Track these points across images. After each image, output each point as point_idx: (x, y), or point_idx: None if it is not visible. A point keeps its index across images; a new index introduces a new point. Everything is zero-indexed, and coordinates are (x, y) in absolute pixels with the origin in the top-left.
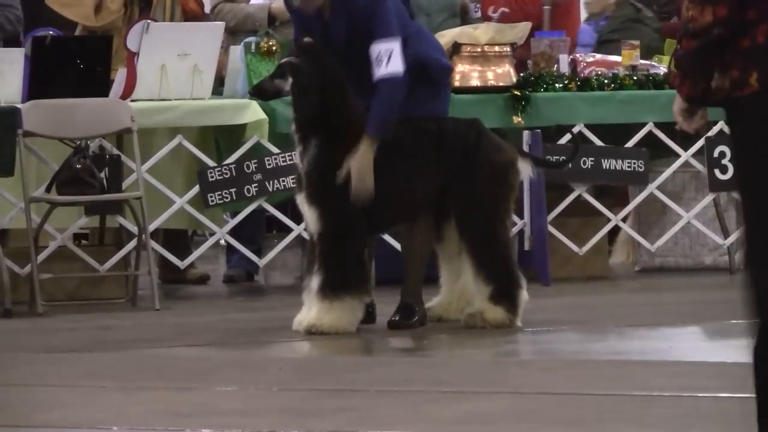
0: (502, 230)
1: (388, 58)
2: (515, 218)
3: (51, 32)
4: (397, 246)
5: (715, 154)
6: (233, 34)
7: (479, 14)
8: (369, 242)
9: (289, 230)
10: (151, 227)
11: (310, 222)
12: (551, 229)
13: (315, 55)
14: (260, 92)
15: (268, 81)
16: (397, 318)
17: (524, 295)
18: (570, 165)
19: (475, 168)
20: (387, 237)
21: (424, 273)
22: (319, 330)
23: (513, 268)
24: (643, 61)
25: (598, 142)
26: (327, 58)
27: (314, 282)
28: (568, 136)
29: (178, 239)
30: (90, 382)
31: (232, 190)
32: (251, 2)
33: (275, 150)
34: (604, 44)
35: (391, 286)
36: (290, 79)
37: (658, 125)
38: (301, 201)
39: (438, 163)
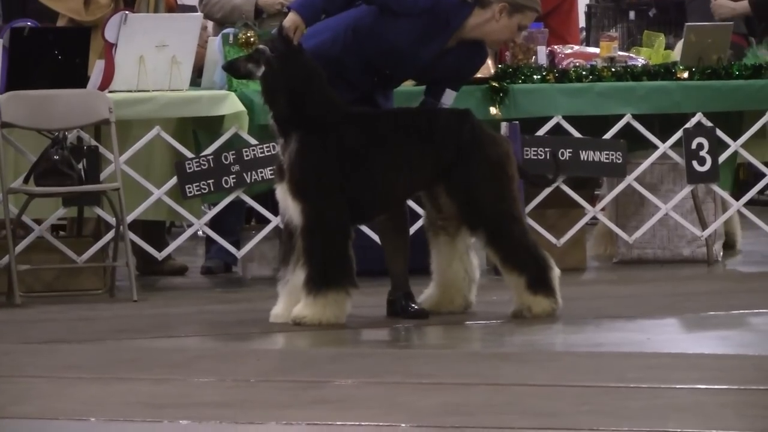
0: (511, 221)
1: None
2: None
3: (29, 23)
4: (374, 238)
5: (693, 145)
6: (221, 25)
7: None
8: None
9: (267, 221)
10: (129, 218)
11: (292, 215)
12: (529, 220)
13: (289, 52)
14: (233, 69)
15: (242, 61)
16: (416, 306)
17: (556, 273)
18: (555, 181)
19: (473, 164)
20: (365, 229)
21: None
22: (302, 322)
23: (536, 252)
24: (621, 53)
25: (576, 134)
26: (301, 56)
27: (299, 277)
28: (547, 127)
29: (156, 231)
30: (67, 373)
31: (210, 181)
32: None
33: (253, 141)
34: None
35: (369, 277)
36: (262, 68)
37: (636, 117)
38: (283, 192)
39: (425, 156)
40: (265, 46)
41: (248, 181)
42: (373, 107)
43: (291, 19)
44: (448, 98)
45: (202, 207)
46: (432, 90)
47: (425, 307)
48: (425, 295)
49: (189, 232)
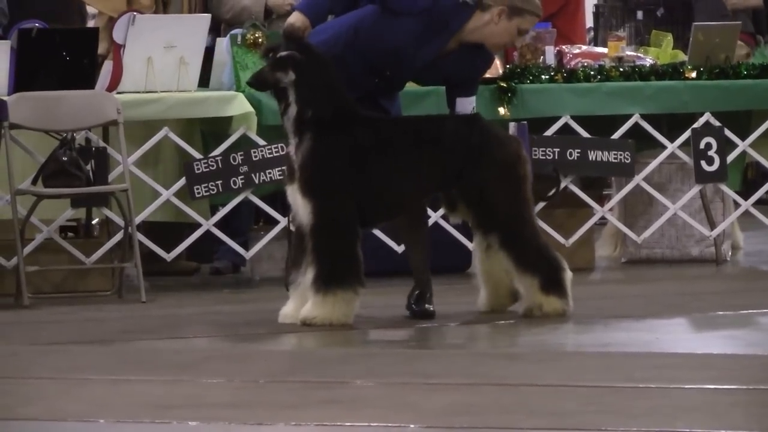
0: (524, 223)
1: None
2: None
3: (37, 24)
4: (384, 238)
5: (702, 145)
6: (230, 26)
7: None
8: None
9: (276, 222)
10: (138, 219)
11: (302, 215)
12: (538, 220)
13: (312, 49)
14: (260, 83)
15: (267, 72)
16: (425, 306)
17: (569, 275)
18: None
19: (483, 167)
20: (376, 230)
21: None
22: (312, 323)
23: (549, 254)
24: (629, 53)
25: (585, 134)
26: (322, 53)
27: (308, 276)
28: (555, 127)
29: (169, 231)
30: (76, 374)
31: (219, 182)
32: None
33: (261, 142)
34: None
35: (379, 277)
36: (291, 74)
37: (644, 117)
38: (293, 193)
39: (434, 161)
40: (287, 51)
41: (257, 181)
42: (379, 110)
43: (298, 19)
44: (462, 106)
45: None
46: (447, 98)
47: (483, 310)
48: (480, 299)
49: (198, 233)
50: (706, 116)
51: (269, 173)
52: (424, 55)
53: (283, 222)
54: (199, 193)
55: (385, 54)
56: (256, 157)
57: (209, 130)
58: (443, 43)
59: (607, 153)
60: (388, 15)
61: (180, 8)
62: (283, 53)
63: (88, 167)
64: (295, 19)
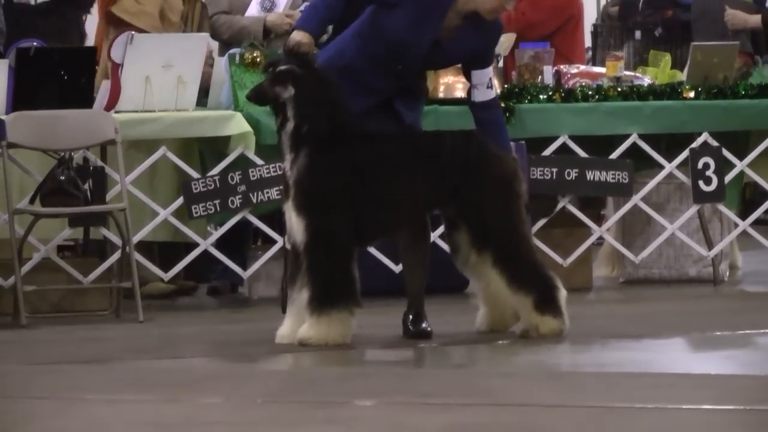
0: (518, 240)
1: (492, 83)
2: None
3: (35, 43)
4: (379, 256)
5: (699, 165)
6: (228, 45)
7: None
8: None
9: (273, 242)
10: (135, 239)
11: (296, 232)
12: (535, 240)
13: (313, 65)
14: (260, 97)
15: (267, 87)
16: (421, 326)
17: (563, 293)
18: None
19: (479, 183)
20: (372, 248)
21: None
22: (309, 344)
23: (543, 271)
24: (627, 73)
25: (583, 154)
26: (323, 69)
27: (302, 296)
28: (553, 147)
29: (170, 251)
30: (73, 394)
31: (216, 201)
32: (246, 15)
33: (259, 161)
34: None
35: (375, 297)
36: (290, 88)
37: (642, 137)
38: (289, 209)
39: (431, 179)
40: (287, 65)
41: (254, 201)
42: (394, 117)
43: (303, 36)
44: (478, 78)
45: (208, 228)
46: (463, 71)
47: (482, 329)
48: (479, 317)
49: (195, 252)
50: (704, 136)
51: (267, 193)
52: (425, 38)
53: (281, 241)
54: (197, 212)
55: (389, 48)
56: (254, 176)
57: (207, 149)
58: (440, 21)
59: (605, 173)
60: (383, 9)
61: (192, 26)
62: (283, 68)
63: (86, 186)
64: (301, 36)
